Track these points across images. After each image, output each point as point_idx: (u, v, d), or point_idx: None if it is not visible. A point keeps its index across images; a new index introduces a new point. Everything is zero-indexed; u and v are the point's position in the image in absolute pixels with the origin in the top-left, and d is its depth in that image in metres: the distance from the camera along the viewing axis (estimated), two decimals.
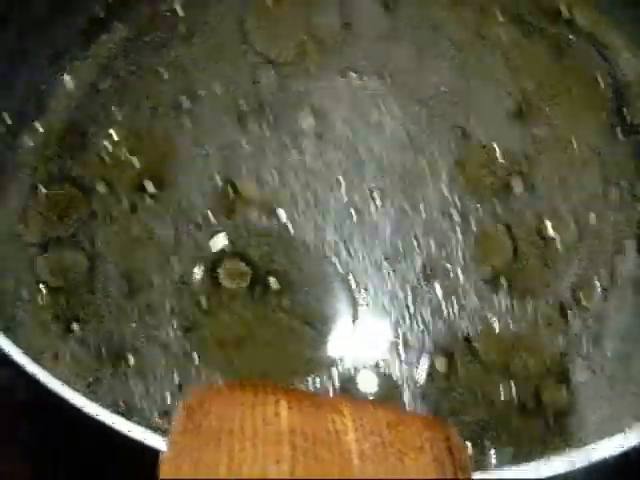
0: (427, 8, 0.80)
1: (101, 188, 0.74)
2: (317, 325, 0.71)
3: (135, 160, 0.75)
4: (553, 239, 0.73)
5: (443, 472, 0.51)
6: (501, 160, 0.75)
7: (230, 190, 0.75)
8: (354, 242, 0.73)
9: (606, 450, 0.53)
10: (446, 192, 0.74)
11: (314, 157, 0.76)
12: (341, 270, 0.72)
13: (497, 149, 0.75)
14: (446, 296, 0.72)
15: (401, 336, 0.71)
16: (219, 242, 0.73)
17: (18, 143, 0.76)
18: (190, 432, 0.50)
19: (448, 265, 0.72)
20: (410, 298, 0.72)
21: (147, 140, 0.76)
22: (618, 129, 0.76)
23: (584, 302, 0.72)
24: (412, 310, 0.71)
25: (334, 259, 0.73)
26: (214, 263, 0.73)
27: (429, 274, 0.72)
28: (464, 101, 0.77)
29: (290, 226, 0.74)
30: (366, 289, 0.72)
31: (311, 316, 0.71)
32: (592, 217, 0.74)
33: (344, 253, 0.73)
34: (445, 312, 0.71)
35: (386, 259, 0.73)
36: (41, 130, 0.76)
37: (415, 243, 0.73)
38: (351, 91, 0.78)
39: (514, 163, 0.75)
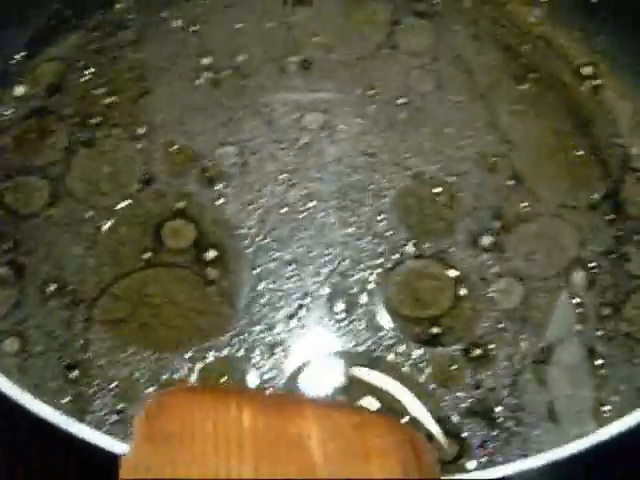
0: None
1: None
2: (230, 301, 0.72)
3: None
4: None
5: (408, 474, 0.50)
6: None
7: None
8: (273, 234, 0.74)
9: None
10: (382, 217, 0.75)
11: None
12: (251, 258, 0.73)
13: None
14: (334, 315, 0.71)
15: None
16: None
17: None
18: (151, 437, 0.50)
19: (353, 289, 0.72)
20: (305, 302, 0.72)
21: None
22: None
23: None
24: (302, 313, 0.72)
25: (250, 247, 0.74)
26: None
27: (331, 292, 0.72)
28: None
29: (222, 200, 0.75)
30: (267, 282, 0.73)
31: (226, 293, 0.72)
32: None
33: (260, 241, 0.74)
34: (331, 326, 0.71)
35: (294, 262, 0.73)
36: None
37: (329, 256, 0.73)
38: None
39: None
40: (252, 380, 0.69)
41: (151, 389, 0.68)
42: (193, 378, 0.69)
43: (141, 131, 0.79)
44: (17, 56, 0.82)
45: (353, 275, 0.72)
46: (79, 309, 0.71)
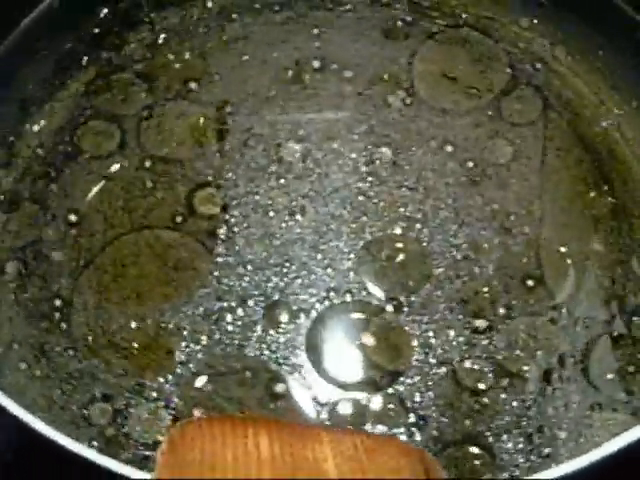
0: None
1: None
2: None
3: None
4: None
5: None
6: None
7: None
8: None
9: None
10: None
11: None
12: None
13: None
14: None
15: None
16: None
17: None
18: (173, 466, 0.51)
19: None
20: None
21: None
22: None
23: None
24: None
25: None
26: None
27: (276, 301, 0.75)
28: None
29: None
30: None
31: None
32: None
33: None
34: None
35: (256, 260, 0.76)
36: None
37: (291, 268, 0.76)
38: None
39: None
40: None
41: None
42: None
43: None
44: None
45: None
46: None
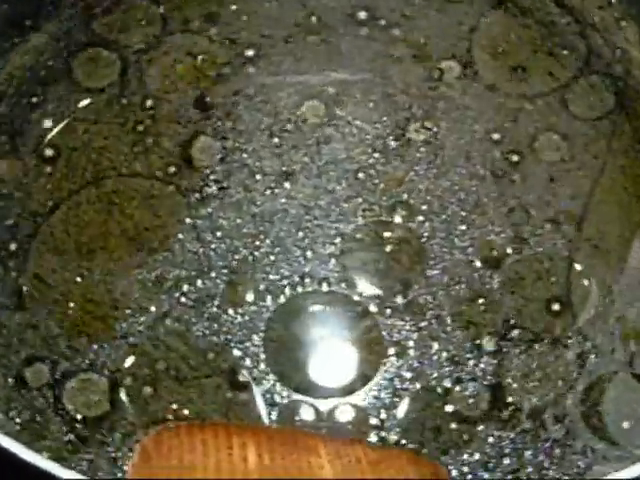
0: None
1: None
2: None
3: None
4: None
5: None
6: None
7: None
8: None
9: None
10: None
11: None
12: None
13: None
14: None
15: None
16: None
17: None
18: (147, 478, 0.46)
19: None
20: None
21: None
22: None
23: None
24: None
25: None
26: None
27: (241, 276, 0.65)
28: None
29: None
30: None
31: None
32: None
33: None
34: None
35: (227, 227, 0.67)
36: None
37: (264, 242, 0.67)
38: None
39: None
40: None
41: None
42: None
43: None
44: None
45: None
46: None
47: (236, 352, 0.63)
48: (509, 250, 0.66)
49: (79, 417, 0.62)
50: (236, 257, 0.66)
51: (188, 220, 0.66)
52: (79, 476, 0.46)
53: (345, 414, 0.62)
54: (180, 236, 0.66)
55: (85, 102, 0.71)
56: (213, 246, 0.66)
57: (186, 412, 0.61)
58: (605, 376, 0.63)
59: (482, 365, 0.63)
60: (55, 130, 0.70)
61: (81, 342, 0.63)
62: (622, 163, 0.69)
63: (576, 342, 0.64)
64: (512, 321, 0.64)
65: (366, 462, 0.48)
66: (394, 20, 0.73)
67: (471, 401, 0.62)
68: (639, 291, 0.65)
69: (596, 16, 0.74)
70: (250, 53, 0.72)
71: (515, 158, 0.69)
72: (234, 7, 0.74)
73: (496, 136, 0.70)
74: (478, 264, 0.66)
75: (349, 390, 0.63)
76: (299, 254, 0.66)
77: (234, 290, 0.65)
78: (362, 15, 0.74)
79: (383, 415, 0.62)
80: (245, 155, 0.69)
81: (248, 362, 0.63)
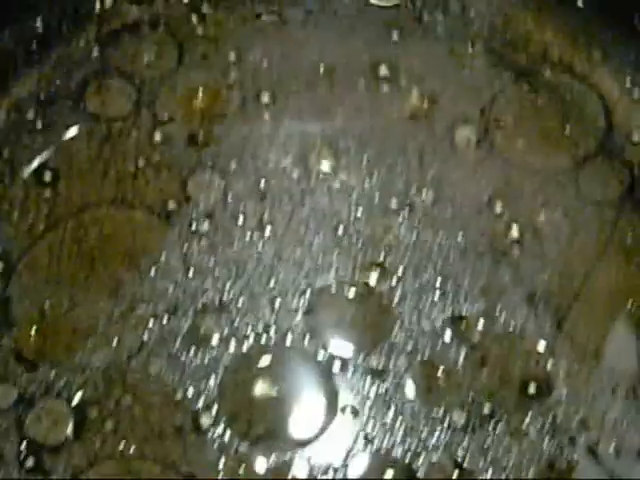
0: None
1: None
2: None
3: None
4: None
5: None
6: None
7: None
8: None
9: None
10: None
11: None
12: None
13: None
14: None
15: None
16: None
17: None
18: None
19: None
20: None
21: None
22: None
23: None
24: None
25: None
26: None
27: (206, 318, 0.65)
28: None
29: None
30: None
31: None
32: None
33: None
34: None
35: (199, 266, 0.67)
36: None
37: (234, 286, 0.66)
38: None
39: None
40: None
41: None
42: None
43: None
44: None
45: None
46: None
47: (192, 393, 0.63)
48: (480, 326, 0.66)
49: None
50: (204, 299, 0.65)
51: (163, 257, 0.66)
52: None
53: (298, 467, 0.62)
54: (152, 272, 0.66)
55: (88, 129, 0.71)
56: (183, 285, 0.66)
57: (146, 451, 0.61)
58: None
59: (437, 438, 0.63)
60: (52, 155, 0.70)
61: (43, 367, 0.64)
62: (619, 258, 0.68)
63: (540, 424, 0.63)
64: (475, 398, 0.63)
65: None
66: (413, 80, 0.72)
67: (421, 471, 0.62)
68: (606, 396, 0.64)
69: (618, 99, 0.73)
70: (265, 99, 0.72)
71: (514, 233, 0.68)
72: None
73: (498, 209, 0.68)
74: (446, 336, 0.65)
75: (301, 443, 0.62)
76: (266, 304, 0.65)
77: (197, 331, 0.65)
78: (382, 70, 0.73)
79: (331, 474, 0.62)
80: (230, 198, 0.69)
81: (202, 405, 0.62)
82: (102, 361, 0.63)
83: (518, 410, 0.63)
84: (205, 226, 0.67)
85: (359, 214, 0.68)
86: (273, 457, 0.62)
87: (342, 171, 0.70)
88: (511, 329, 0.65)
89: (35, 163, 0.70)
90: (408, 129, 0.71)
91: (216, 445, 0.62)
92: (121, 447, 0.62)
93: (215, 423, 0.62)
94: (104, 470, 0.61)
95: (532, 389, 0.63)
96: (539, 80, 0.73)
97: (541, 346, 0.64)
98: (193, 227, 0.67)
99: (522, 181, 0.69)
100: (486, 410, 0.63)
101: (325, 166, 0.70)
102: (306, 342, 0.64)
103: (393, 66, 0.73)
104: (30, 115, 0.71)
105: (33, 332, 0.64)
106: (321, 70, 0.72)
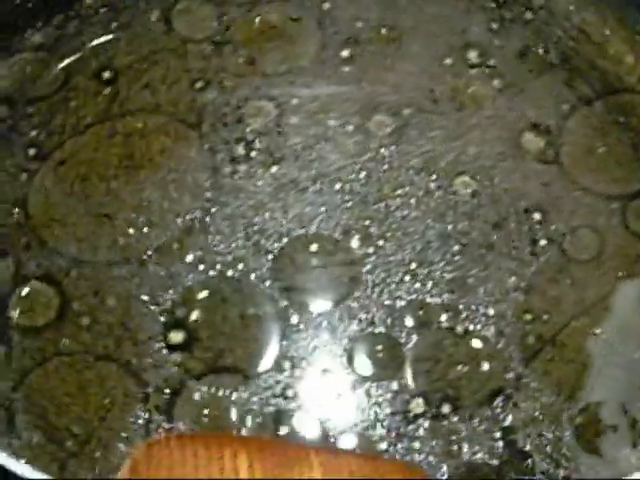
0: None
1: None
2: None
3: None
4: None
5: None
6: None
7: None
8: None
9: None
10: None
11: None
12: None
13: None
14: None
15: None
16: None
17: None
18: None
19: None
20: None
21: None
22: None
23: None
24: None
25: None
26: None
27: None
28: None
29: None
30: None
31: None
32: None
33: None
34: None
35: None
36: None
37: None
38: None
39: None
40: None
41: None
42: None
43: None
44: None
45: None
46: None
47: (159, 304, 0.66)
48: (442, 317, 0.65)
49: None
50: (190, 216, 0.68)
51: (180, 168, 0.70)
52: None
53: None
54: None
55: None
56: (175, 200, 0.69)
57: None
58: None
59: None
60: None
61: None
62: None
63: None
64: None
65: (360, 474, 0.48)
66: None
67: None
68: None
69: None
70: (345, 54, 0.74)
71: (541, 242, 0.67)
72: None
73: (536, 216, 0.68)
74: (404, 319, 0.65)
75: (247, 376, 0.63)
76: (242, 237, 0.67)
77: (172, 246, 0.67)
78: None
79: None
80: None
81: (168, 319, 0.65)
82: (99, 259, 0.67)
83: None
84: (227, 147, 0.70)
85: (362, 176, 0.69)
86: (221, 390, 0.63)
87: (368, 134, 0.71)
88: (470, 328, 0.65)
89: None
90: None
91: (175, 360, 0.64)
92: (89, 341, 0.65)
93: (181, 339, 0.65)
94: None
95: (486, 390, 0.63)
96: (618, 101, 0.72)
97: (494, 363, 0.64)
98: (221, 147, 0.70)
99: (569, 196, 0.69)
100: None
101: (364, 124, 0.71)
102: (267, 284, 0.66)
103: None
104: None
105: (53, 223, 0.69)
106: None
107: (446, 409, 0.62)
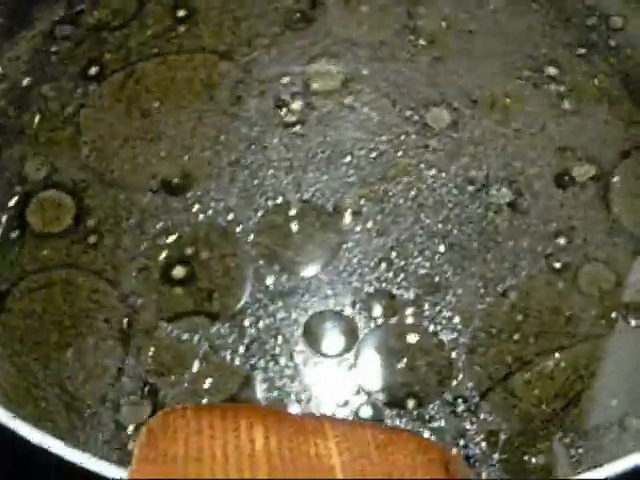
0: None
1: None
2: None
3: None
4: None
5: None
6: None
7: None
8: None
9: None
10: None
11: None
12: None
13: None
14: None
15: None
16: None
17: None
18: (154, 461, 0.45)
19: None
20: None
21: None
22: None
23: None
24: None
25: None
26: None
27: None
28: None
29: None
30: None
31: None
32: None
33: None
34: None
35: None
36: None
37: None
38: None
39: None
40: None
41: None
42: None
43: None
44: None
45: None
46: None
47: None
48: (407, 311, 0.66)
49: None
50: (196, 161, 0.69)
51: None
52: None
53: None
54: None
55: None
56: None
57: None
58: None
59: None
60: None
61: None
62: None
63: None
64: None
65: (374, 445, 0.47)
66: None
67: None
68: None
69: None
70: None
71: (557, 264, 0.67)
72: None
73: (561, 241, 0.68)
74: (371, 306, 0.66)
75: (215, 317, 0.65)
76: (238, 192, 0.68)
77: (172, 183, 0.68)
78: None
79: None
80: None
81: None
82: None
83: None
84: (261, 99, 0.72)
85: (373, 155, 0.70)
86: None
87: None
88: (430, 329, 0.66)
89: None
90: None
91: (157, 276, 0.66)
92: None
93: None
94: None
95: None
96: None
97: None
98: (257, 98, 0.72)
99: (595, 228, 0.68)
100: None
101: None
102: (250, 238, 0.67)
103: None
104: None
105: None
106: None
107: (379, 397, 0.63)
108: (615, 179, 0.70)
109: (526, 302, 0.65)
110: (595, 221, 0.68)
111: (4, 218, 0.68)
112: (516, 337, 0.64)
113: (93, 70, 0.73)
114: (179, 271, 0.66)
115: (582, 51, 0.75)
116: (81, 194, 0.68)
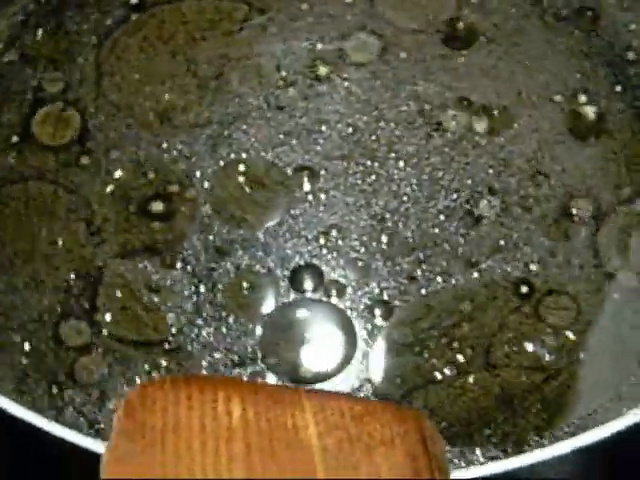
0: None
1: None
2: None
3: None
4: None
5: (417, 468, 0.47)
6: None
7: None
8: None
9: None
10: None
11: None
12: None
13: None
14: None
15: None
16: None
17: None
18: (132, 432, 0.46)
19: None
20: None
21: None
22: None
23: None
24: None
25: None
26: None
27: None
28: None
29: None
30: None
31: None
32: None
33: None
34: None
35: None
36: None
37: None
38: None
39: None
40: None
41: None
42: None
43: None
44: None
45: None
46: None
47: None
48: (332, 291, 0.66)
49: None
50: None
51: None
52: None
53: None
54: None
55: None
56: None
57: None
58: None
59: None
60: None
61: None
62: None
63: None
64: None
65: (350, 416, 0.48)
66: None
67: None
68: None
69: None
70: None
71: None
72: None
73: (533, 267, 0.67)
74: (296, 276, 0.67)
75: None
76: (209, 135, 0.69)
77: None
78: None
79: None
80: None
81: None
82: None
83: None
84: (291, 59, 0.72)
85: (350, 131, 0.70)
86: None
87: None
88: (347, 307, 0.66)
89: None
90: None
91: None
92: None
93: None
94: None
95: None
96: None
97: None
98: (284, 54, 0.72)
99: (579, 270, 0.67)
100: None
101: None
102: (204, 186, 0.68)
103: None
104: None
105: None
106: None
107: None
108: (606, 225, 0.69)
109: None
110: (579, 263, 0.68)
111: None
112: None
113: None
114: (158, 206, 0.68)
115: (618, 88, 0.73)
116: (90, 117, 0.70)
